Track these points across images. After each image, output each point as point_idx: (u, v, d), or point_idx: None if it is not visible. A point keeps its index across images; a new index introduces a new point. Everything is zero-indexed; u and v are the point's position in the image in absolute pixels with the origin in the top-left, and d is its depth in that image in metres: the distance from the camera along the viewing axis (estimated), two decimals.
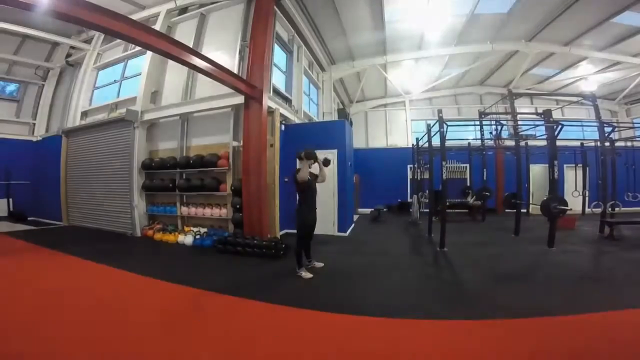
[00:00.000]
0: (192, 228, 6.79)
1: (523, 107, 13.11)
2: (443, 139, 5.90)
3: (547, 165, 5.89)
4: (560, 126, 5.71)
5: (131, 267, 4.58)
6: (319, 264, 4.57)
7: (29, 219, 9.61)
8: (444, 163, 5.81)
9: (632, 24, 8.63)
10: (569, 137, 9.47)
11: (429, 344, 2.45)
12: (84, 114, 9.04)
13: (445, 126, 5.87)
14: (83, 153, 8.49)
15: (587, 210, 8.58)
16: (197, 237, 6.29)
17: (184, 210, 7.12)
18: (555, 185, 5.75)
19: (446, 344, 2.43)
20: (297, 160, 4.38)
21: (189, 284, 3.80)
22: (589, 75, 11.79)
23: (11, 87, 10.58)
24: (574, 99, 11.40)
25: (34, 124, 10.83)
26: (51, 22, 8.40)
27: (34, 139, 10.65)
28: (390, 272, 4.38)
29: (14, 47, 9.75)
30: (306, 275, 4.11)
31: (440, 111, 6.00)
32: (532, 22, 9.11)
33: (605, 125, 7.19)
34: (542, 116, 7.02)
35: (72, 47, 10.01)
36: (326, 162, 4.48)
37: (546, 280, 3.96)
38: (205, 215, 6.85)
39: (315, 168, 4.41)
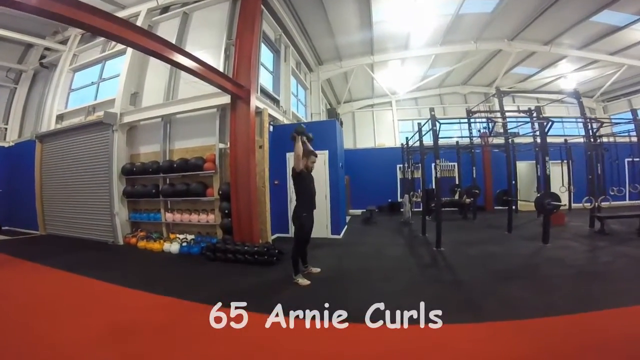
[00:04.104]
0: (178, 235, 6.45)
1: (505, 105, 13.32)
2: (436, 137, 5.83)
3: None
4: (550, 123, 5.75)
5: (113, 278, 4.25)
6: (316, 270, 4.36)
7: (3, 228, 9.04)
8: (437, 162, 5.71)
9: (609, 22, 8.87)
10: (552, 134, 9.68)
11: (429, 348, 2.34)
12: (60, 118, 8.54)
13: (438, 124, 5.82)
14: (59, 158, 8.00)
15: (578, 205, 8.73)
16: (184, 244, 5.96)
17: (169, 216, 6.79)
18: (547, 181, 5.77)
19: (448, 349, 2.33)
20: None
21: (176, 295, 3.52)
22: (568, 74, 12.13)
23: None
24: (558, 96, 11.67)
25: (6, 129, 10.17)
26: (24, 23, 7.93)
27: (6, 145, 9.99)
28: (390, 275, 4.22)
29: None
30: (303, 282, 3.89)
31: (432, 109, 5.96)
32: (515, 22, 9.28)
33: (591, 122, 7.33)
34: (529, 114, 7.13)
35: (47, 49, 9.48)
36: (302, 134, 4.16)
37: (547, 277, 3.91)
38: (192, 222, 6.55)
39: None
